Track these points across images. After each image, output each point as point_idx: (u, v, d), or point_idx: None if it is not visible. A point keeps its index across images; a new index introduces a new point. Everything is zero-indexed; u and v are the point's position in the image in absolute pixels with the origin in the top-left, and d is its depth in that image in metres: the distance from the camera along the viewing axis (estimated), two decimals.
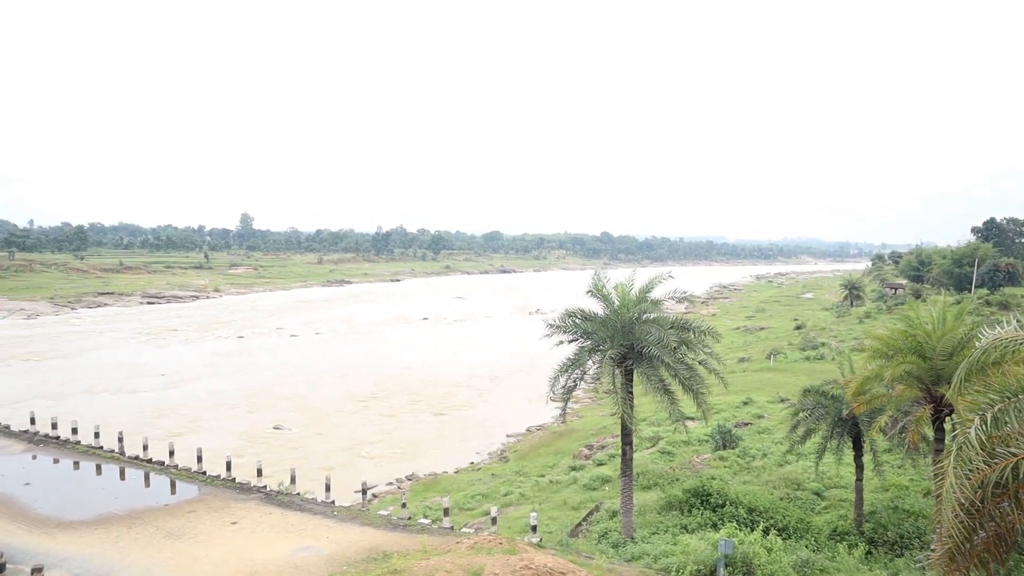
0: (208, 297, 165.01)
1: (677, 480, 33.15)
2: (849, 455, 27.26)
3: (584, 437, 49.06)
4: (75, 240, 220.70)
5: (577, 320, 23.83)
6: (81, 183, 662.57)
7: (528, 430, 55.65)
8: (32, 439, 32.10)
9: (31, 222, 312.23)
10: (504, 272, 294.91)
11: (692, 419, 37.46)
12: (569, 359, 23.49)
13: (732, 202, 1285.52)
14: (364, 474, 38.96)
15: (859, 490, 25.45)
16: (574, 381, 23.56)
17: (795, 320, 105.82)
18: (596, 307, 24.15)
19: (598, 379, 24.48)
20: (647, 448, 42.61)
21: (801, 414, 27.04)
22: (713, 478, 30.72)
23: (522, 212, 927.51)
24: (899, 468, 32.03)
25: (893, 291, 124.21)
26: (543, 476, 40.35)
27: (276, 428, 53.68)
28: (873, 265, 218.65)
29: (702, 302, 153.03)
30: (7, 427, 33.95)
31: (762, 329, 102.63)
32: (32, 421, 33.65)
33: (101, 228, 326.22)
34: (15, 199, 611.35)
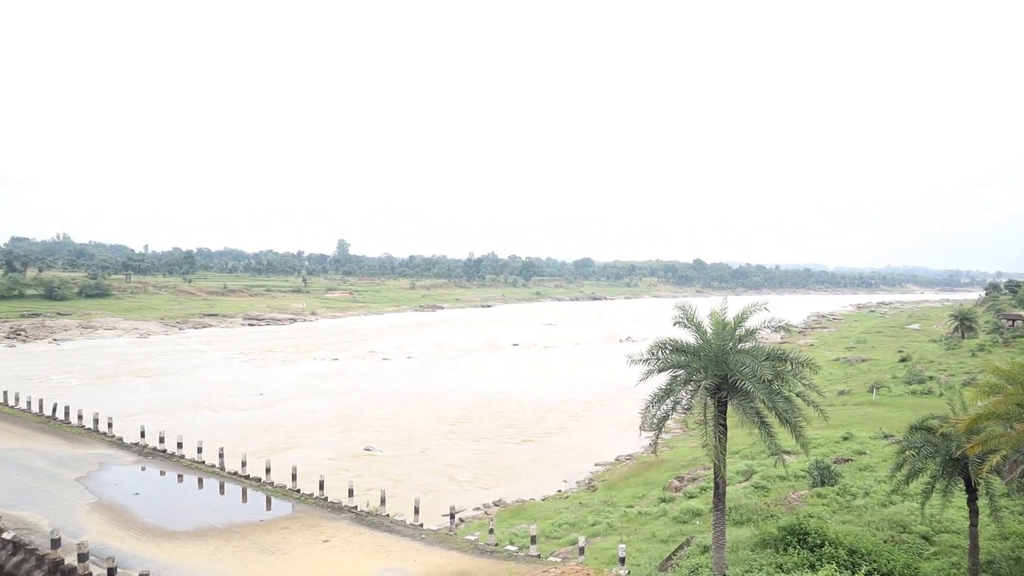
0: (305, 320, 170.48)
1: (772, 516, 31.91)
2: (960, 498, 25.56)
3: (674, 468, 47.95)
4: (184, 264, 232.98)
5: (668, 351, 23.37)
6: (192, 211, 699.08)
7: (617, 459, 54.85)
8: (142, 451, 33.74)
9: (146, 247, 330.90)
10: (595, 299, 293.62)
11: (789, 453, 36.10)
12: (661, 389, 23.03)
13: (832, 229, 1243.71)
14: (452, 498, 39.19)
15: (974, 536, 23.78)
16: (666, 412, 23.06)
17: (900, 352, 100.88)
18: (688, 336, 23.64)
19: (689, 409, 23.90)
20: (740, 482, 41.25)
21: (907, 452, 25.50)
22: (811, 516, 29.36)
23: (613, 239, 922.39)
24: (1021, 515, 29.85)
25: (1011, 323, 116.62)
26: (632, 507, 39.59)
27: (367, 449, 54.68)
28: (987, 295, 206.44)
29: (799, 332, 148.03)
30: (120, 439, 35.80)
31: (864, 361, 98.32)
32: (142, 435, 35.41)
33: (208, 253, 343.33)
34: (136, 228, 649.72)
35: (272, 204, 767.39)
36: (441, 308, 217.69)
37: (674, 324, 24.02)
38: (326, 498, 28.22)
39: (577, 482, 49.56)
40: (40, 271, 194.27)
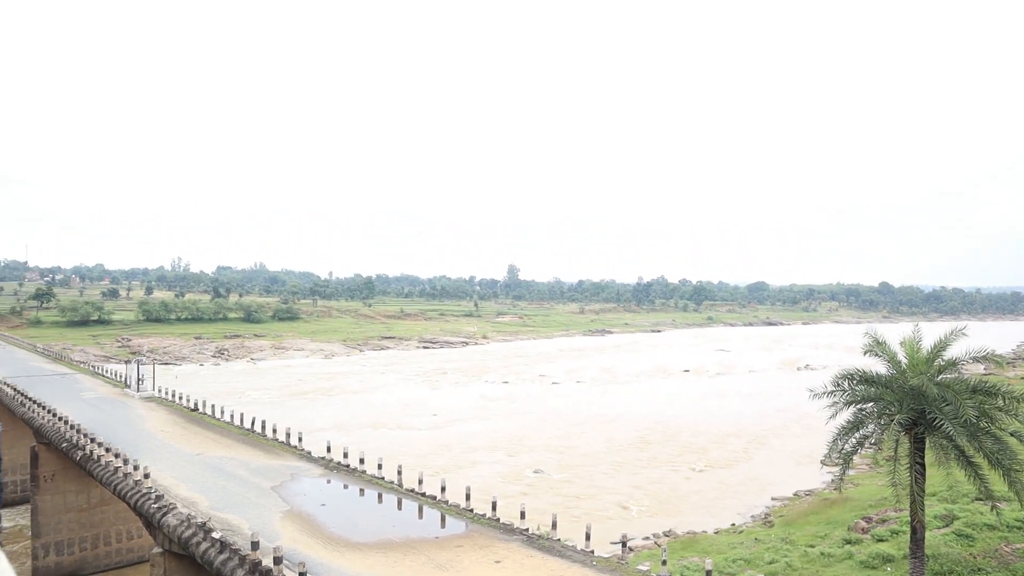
0: (477, 344, 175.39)
1: (980, 571, 28.88)
2: None
3: (860, 508, 44.64)
4: (364, 289, 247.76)
5: (856, 381, 21.84)
6: (371, 240, 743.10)
7: (796, 494, 51.89)
8: (328, 465, 35.88)
9: (330, 273, 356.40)
10: (769, 324, 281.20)
11: (1000, 500, 32.59)
12: (848, 422, 21.54)
13: None
14: (621, 525, 38.65)
15: None
16: (853, 447, 21.52)
17: None
18: (879, 366, 21.99)
19: (878, 445, 22.20)
20: (938, 528, 37.67)
21: None
22: None
23: (789, 262, 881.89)
24: None
25: None
26: (813, 547, 37.21)
27: (536, 472, 55.16)
28: None
29: (1008, 363, 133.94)
30: (309, 453, 38.31)
31: None
32: (328, 449, 37.66)
33: (386, 279, 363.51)
34: (322, 256, 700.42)
35: (446, 232, 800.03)
36: (610, 333, 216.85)
37: (865, 353, 22.42)
38: (498, 519, 28.63)
39: (752, 516, 47.36)
40: (240, 296, 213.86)
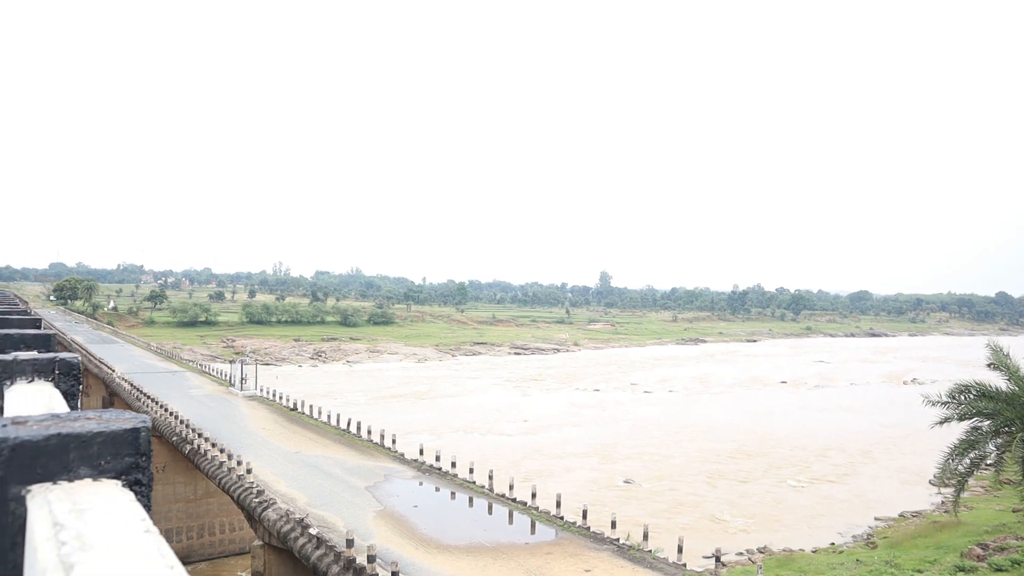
0: (568, 351, 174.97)
1: None
2: None
3: (975, 533, 41.98)
4: (457, 295, 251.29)
5: (973, 396, 20.54)
6: (463, 246, 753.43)
7: (901, 515, 49.30)
8: (420, 467, 36.41)
9: (424, 279, 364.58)
10: (873, 335, 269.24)
11: None
12: (963, 440, 20.28)
13: None
14: (713, 538, 37.66)
15: None
16: (968, 467, 20.24)
17: None
18: (999, 381, 20.62)
19: (996, 466, 20.83)
20: None
21: None
22: None
23: (894, 270, 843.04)
24: None
25: None
26: (920, 572, 35.19)
27: (626, 482, 54.45)
28: None
29: None
30: (402, 455, 38.98)
31: None
32: (420, 452, 38.23)
33: (478, 284, 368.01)
34: (415, 262, 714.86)
35: (538, 239, 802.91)
36: (704, 342, 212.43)
37: (988, 365, 21.05)
38: (588, 527, 28.37)
39: (853, 536, 45.23)
40: (337, 300, 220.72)
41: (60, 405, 2.65)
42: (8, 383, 2.95)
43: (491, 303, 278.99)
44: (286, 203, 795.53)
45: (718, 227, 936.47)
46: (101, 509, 1.35)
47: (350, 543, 22.60)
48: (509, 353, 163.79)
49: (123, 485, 1.51)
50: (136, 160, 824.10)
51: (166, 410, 45.53)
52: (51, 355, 3.10)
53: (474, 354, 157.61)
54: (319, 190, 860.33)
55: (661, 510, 47.14)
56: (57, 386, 3.00)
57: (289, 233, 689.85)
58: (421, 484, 33.74)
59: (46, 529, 1.24)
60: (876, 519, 48.65)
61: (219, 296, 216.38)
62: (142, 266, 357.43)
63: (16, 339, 4.12)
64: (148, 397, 50.13)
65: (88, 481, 1.49)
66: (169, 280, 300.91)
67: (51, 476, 1.47)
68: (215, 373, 71.10)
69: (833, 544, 43.21)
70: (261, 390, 59.54)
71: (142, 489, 1.54)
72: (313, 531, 24.57)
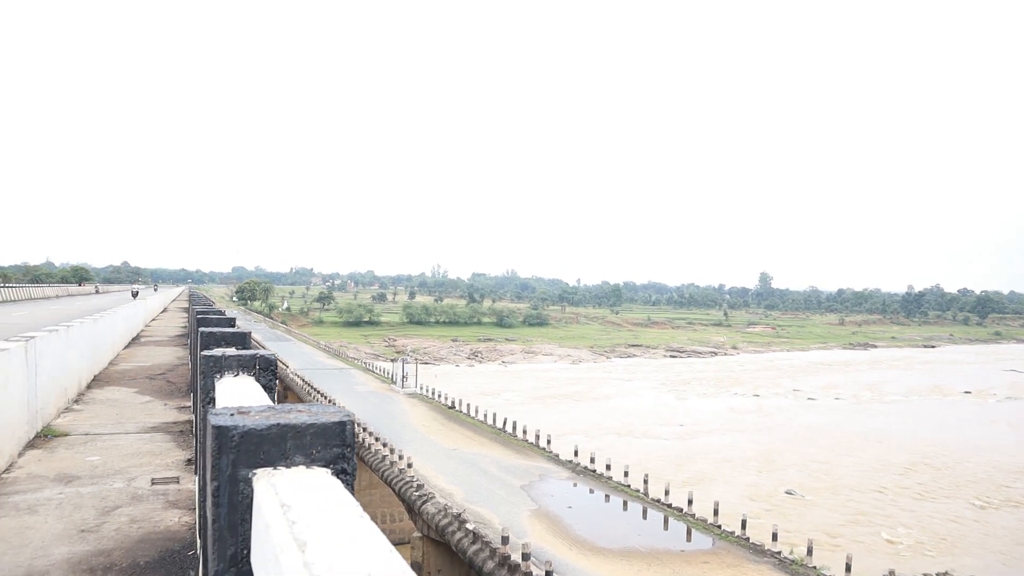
0: (726, 354, 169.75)
1: None
2: None
3: None
4: (611, 297, 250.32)
5: None
6: (618, 247, 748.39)
7: None
8: (575, 469, 36.60)
9: (578, 280, 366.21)
10: None
11: None
12: None
13: None
14: (886, 559, 35.36)
15: None
16: None
17: None
18: None
19: None
20: None
21: None
22: None
23: None
24: None
25: None
26: None
27: (788, 493, 52.12)
28: None
29: None
30: (557, 455, 39.35)
31: None
32: (575, 453, 38.43)
33: (633, 286, 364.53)
34: (569, 264, 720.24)
35: (695, 239, 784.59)
36: (874, 347, 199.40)
37: None
38: (747, 538, 27.45)
39: None
40: (493, 302, 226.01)
41: (263, 398, 2.94)
42: (218, 376, 3.31)
43: (646, 305, 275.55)
44: (444, 208, 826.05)
45: (891, 223, 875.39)
46: (318, 494, 1.52)
47: (505, 540, 23.08)
48: (664, 356, 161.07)
49: (332, 473, 1.68)
50: (308, 173, 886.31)
51: (333, 405, 48.42)
52: (253, 352, 3.45)
53: (629, 356, 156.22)
54: (476, 194, 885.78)
55: (826, 525, 44.73)
56: (257, 380, 3.34)
57: (447, 236, 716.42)
58: (575, 485, 33.91)
59: (275, 509, 1.42)
60: None
61: (381, 297, 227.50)
62: (312, 269, 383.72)
63: (219, 337, 4.61)
64: (318, 392, 53.50)
65: (302, 468, 1.68)
66: (336, 282, 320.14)
67: (272, 462, 1.66)
68: (378, 371, 74.78)
69: None
70: (421, 388, 61.94)
71: (347, 478, 1.71)
72: (470, 526, 25.31)
